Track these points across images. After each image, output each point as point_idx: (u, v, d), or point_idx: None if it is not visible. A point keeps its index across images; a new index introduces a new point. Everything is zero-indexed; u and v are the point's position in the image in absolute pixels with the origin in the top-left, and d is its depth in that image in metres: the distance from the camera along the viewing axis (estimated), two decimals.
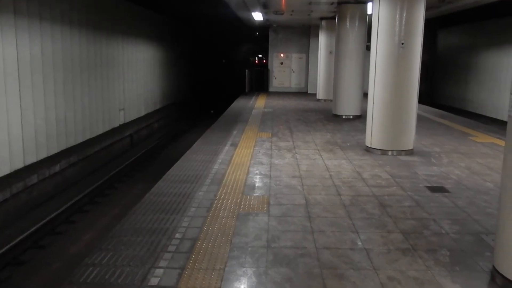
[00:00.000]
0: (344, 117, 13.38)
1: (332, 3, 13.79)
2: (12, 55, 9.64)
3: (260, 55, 36.45)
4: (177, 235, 4.44)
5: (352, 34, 13.11)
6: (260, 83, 23.39)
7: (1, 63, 9.27)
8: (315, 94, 19.90)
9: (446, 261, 3.98)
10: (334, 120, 12.86)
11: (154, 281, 3.56)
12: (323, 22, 18.05)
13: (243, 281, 3.61)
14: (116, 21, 15.85)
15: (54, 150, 11.39)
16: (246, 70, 22.92)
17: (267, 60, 35.10)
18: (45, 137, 10.96)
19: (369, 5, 12.62)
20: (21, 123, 9.96)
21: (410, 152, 8.36)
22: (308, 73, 22.65)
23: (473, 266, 3.91)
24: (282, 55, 22.94)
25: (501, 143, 9.41)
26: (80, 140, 12.87)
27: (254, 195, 5.78)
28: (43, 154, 10.88)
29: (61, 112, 11.80)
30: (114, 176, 12.76)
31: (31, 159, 10.35)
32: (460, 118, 13.72)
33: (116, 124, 15.94)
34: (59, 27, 11.68)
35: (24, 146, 10.07)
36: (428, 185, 6.38)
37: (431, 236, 4.54)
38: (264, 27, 23.70)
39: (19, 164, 9.88)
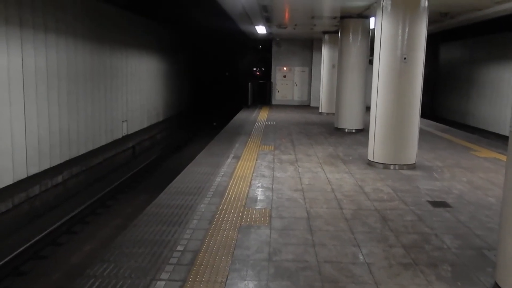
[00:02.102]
0: (346, 130, 13.41)
1: (334, 18, 13.90)
2: (17, 66, 9.72)
3: (254, 68, 36.91)
4: (179, 247, 4.45)
5: (354, 48, 13.20)
6: (262, 96, 23.49)
7: (6, 73, 9.34)
8: (317, 108, 19.97)
9: (447, 276, 3.97)
10: (336, 134, 12.89)
11: None
12: (326, 36, 18.17)
13: None
14: (120, 33, 15.97)
15: (57, 160, 11.42)
16: (249, 83, 23.01)
17: (260, 72, 35.34)
18: (48, 148, 10.99)
19: (372, 19, 12.72)
20: (24, 133, 10.00)
21: (412, 167, 8.36)
22: (310, 86, 22.74)
23: (474, 281, 3.90)
24: (285, 68, 23.06)
25: (503, 158, 9.40)
26: (83, 151, 12.90)
27: (256, 208, 5.79)
28: (46, 165, 10.90)
29: (65, 122, 11.84)
30: (116, 187, 12.77)
31: (34, 169, 10.38)
32: (462, 133, 13.73)
33: (119, 135, 15.98)
34: (64, 38, 11.77)
35: (27, 156, 10.10)
36: (430, 199, 6.38)
37: (433, 250, 4.54)
38: (267, 40, 23.86)
39: (22, 175, 9.90)
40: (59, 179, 11.42)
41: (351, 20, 13.18)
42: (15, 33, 9.62)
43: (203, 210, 5.65)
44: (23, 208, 9.82)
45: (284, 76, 23.07)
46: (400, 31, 8.01)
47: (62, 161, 11.66)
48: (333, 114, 15.22)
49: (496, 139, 15.71)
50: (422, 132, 10.82)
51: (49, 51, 11.02)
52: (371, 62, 9.53)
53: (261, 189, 6.68)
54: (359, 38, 13.15)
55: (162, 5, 19.57)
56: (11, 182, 9.52)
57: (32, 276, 7.72)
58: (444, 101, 24.13)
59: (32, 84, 10.30)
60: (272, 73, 23.27)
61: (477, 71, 20.57)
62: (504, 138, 16.85)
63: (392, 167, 8.32)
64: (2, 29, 9.19)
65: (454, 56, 23.78)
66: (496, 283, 3.64)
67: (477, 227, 5.27)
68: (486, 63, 19.87)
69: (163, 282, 3.73)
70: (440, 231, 5.09)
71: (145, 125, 19.26)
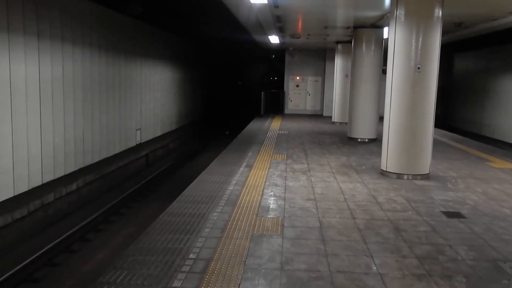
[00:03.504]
0: (359, 140, 13.36)
1: (348, 28, 13.92)
2: (34, 76, 9.88)
3: (264, 78, 37.28)
4: (191, 256, 4.46)
5: (368, 58, 13.18)
6: (275, 105, 23.53)
7: (23, 83, 9.50)
8: (330, 117, 19.93)
9: None
10: (349, 143, 12.85)
11: None
12: (339, 46, 18.19)
13: None
14: (134, 43, 16.16)
15: (72, 168, 11.54)
16: (262, 93, 23.08)
17: (268, 81, 35.73)
18: (63, 156, 11.12)
19: (385, 29, 12.71)
20: (40, 142, 10.13)
21: (426, 177, 8.29)
22: (323, 95, 22.73)
23: None
24: (297, 77, 23.09)
25: None
26: (97, 159, 13.03)
27: (268, 216, 5.79)
28: (61, 173, 11.02)
29: (80, 131, 11.99)
30: (129, 195, 12.85)
31: (49, 177, 10.50)
32: (476, 143, 13.59)
33: (133, 144, 16.11)
34: (80, 48, 11.95)
35: (43, 164, 10.23)
36: (444, 210, 6.33)
37: (447, 262, 4.49)
38: (280, 50, 23.94)
39: (37, 182, 10.02)
40: (73, 186, 11.53)
41: (365, 30, 13.18)
42: (32, 43, 9.80)
43: (215, 218, 5.66)
44: (38, 215, 9.92)
45: (297, 86, 23.11)
46: (413, 41, 7.98)
47: (76, 169, 11.78)
48: (346, 123, 15.18)
49: (511, 150, 15.51)
50: (436, 142, 10.74)
51: (65, 61, 11.19)
52: (384, 71, 9.52)
53: (273, 198, 6.68)
54: (373, 48, 13.15)
55: (176, 16, 19.76)
56: (26, 189, 9.65)
57: (46, 283, 7.78)
58: (459, 111, 23.94)
59: (49, 93, 10.46)
60: (284, 82, 23.32)
61: (492, 82, 20.39)
62: None
63: (405, 177, 8.26)
64: (20, 39, 9.37)
65: (468, 66, 23.61)
66: None
67: (492, 238, 5.21)
68: (501, 73, 19.69)
69: None
70: (454, 242, 5.03)
71: (159, 133, 19.39)
